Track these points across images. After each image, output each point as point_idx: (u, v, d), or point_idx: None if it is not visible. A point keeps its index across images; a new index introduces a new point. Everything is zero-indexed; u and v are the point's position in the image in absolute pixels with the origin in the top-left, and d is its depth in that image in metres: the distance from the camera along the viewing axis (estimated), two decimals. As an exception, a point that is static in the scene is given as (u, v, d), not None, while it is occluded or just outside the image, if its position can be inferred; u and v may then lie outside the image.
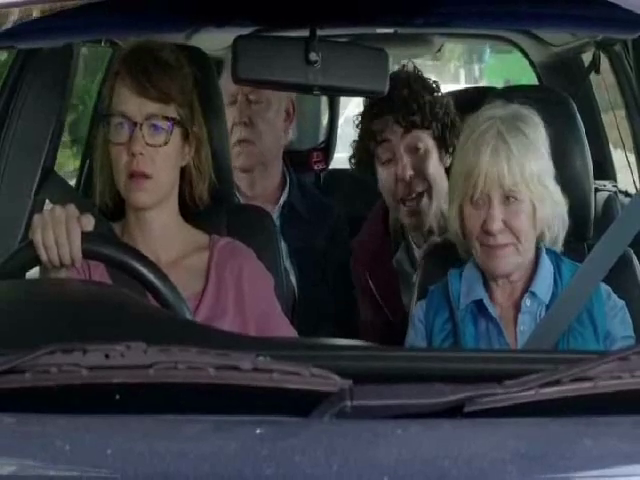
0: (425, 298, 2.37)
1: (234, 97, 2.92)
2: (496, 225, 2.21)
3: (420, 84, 2.85)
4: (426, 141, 2.80)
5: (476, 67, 25.16)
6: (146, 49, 2.20)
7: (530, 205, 2.22)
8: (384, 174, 2.83)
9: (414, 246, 2.89)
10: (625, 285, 2.33)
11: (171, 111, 2.16)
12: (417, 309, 2.36)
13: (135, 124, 2.12)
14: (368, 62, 1.97)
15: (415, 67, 2.93)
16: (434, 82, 2.93)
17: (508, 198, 2.21)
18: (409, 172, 2.78)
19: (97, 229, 1.94)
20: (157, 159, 2.14)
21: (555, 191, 2.27)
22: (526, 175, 2.20)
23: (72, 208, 1.91)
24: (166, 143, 2.14)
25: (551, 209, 2.26)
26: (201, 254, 2.23)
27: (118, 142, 2.14)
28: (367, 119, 2.85)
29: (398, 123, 2.78)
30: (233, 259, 2.21)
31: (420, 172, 2.79)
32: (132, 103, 2.13)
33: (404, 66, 2.92)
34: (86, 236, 1.87)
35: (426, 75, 2.95)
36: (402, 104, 2.78)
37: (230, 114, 2.89)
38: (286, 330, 2.22)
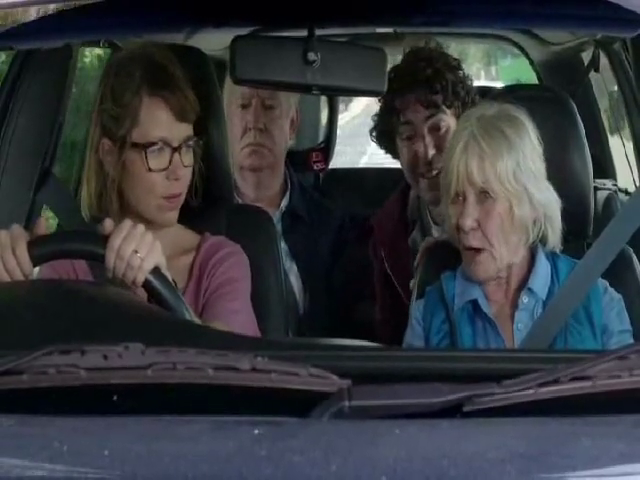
0: (423, 298, 2.37)
1: (247, 100, 2.90)
2: (468, 221, 2.21)
3: (443, 62, 2.86)
4: (448, 120, 2.81)
5: (493, 68, 27.56)
6: (160, 66, 2.15)
7: (507, 203, 2.22)
8: (405, 150, 2.85)
9: (432, 223, 2.90)
10: (625, 284, 2.33)
11: (195, 125, 2.16)
12: (415, 309, 2.36)
13: (175, 149, 2.11)
14: (367, 62, 1.97)
15: (438, 43, 2.94)
16: (455, 60, 2.93)
17: (483, 195, 2.22)
18: (431, 152, 2.79)
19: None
20: (187, 177, 2.15)
21: (538, 192, 2.24)
22: (499, 172, 2.20)
23: (17, 229, 1.89)
24: (194, 161, 2.15)
25: (530, 209, 2.24)
26: (189, 254, 2.22)
27: (157, 169, 2.10)
28: (389, 94, 2.77)
29: (420, 102, 2.80)
30: (217, 254, 2.20)
31: (441, 149, 2.77)
32: (174, 128, 2.11)
33: (426, 42, 2.92)
34: (31, 244, 1.86)
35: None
36: (425, 83, 2.79)
37: (242, 117, 2.88)
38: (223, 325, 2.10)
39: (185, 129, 2.13)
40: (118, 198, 2.16)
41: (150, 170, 2.10)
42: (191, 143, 2.14)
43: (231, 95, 2.89)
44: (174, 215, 2.17)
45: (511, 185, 2.21)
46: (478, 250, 2.23)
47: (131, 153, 2.12)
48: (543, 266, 2.29)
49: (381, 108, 2.92)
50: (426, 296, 2.36)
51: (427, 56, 2.85)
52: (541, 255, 2.30)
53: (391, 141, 2.91)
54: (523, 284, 2.29)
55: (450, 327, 2.29)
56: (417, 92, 2.80)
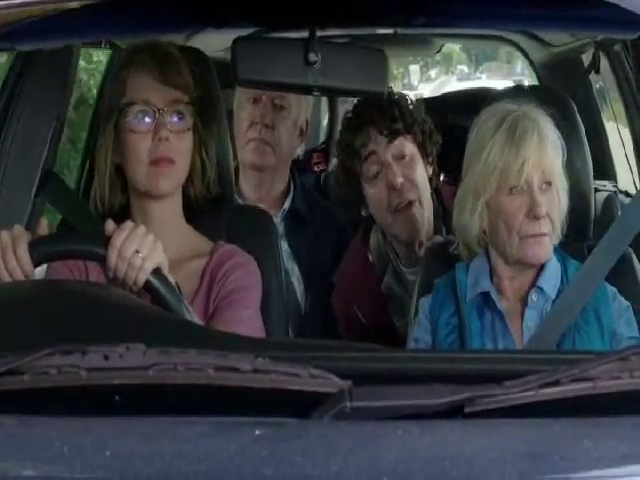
0: (429, 293, 2.37)
1: (257, 97, 2.91)
2: (543, 210, 2.23)
3: (395, 94, 2.85)
4: (410, 148, 2.78)
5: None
6: (157, 44, 2.22)
7: (557, 195, 2.26)
8: (373, 189, 2.78)
9: (403, 268, 2.85)
10: (625, 285, 2.33)
11: (191, 99, 2.18)
12: (423, 304, 2.36)
13: (158, 111, 2.13)
14: (367, 63, 1.97)
15: None
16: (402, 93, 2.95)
17: (545, 185, 2.24)
18: (399, 179, 2.73)
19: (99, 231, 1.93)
20: (180, 145, 2.15)
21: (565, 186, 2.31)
22: (558, 163, 2.25)
23: (18, 229, 1.90)
24: (189, 129, 2.16)
25: (565, 203, 2.29)
26: (202, 259, 2.22)
27: (140, 130, 2.14)
28: (348, 135, 2.81)
29: (381, 133, 2.75)
30: (229, 261, 2.21)
31: (409, 179, 2.76)
32: (156, 90, 2.14)
33: None
34: (32, 245, 1.86)
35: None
36: (383, 113, 2.75)
37: (250, 111, 2.90)
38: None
39: (172, 93, 2.15)
40: (116, 173, 2.20)
41: (133, 132, 2.14)
42: (182, 109, 2.16)
43: (243, 89, 2.90)
44: (168, 185, 2.16)
45: (560, 176, 2.26)
46: (545, 234, 2.25)
47: (120, 119, 2.17)
48: (554, 266, 2.30)
49: (341, 156, 2.86)
50: (435, 288, 2.36)
51: None
52: (552, 255, 2.30)
53: (356, 187, 2.82)
54: (533, 283, 2.30)
55: (459, 321, 2.29)
56: (377, 124, 2.76)
